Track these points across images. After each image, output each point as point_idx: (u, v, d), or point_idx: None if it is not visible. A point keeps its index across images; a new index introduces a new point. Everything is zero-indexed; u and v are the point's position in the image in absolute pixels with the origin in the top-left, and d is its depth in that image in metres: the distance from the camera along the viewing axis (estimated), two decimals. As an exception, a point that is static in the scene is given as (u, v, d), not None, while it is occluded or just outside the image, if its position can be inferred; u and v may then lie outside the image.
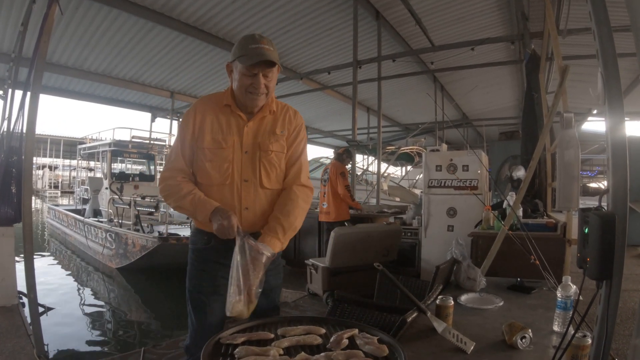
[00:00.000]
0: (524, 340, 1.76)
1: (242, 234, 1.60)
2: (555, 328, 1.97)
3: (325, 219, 5.82)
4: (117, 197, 9.00)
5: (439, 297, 2.03)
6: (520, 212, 3.93)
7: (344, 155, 6.09)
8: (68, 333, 5.00)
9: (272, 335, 1.41)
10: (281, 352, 1.27)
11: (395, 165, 13.74)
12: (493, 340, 1.86)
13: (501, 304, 2.38)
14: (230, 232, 1.60)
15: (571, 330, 1.89)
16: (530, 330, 1.77)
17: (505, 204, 4.11)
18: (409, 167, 13.69)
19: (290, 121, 1.91)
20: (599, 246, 1.23)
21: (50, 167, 29.52)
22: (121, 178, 10.65)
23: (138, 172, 11.92)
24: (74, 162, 14.34)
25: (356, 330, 1.43)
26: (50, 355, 4.08)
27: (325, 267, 4.68)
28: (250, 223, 1.78)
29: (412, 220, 5.87)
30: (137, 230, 7.91)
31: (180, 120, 2.01)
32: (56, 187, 27.99)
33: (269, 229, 1.75)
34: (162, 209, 8.21)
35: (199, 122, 1.80)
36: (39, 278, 3.27)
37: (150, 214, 8.61)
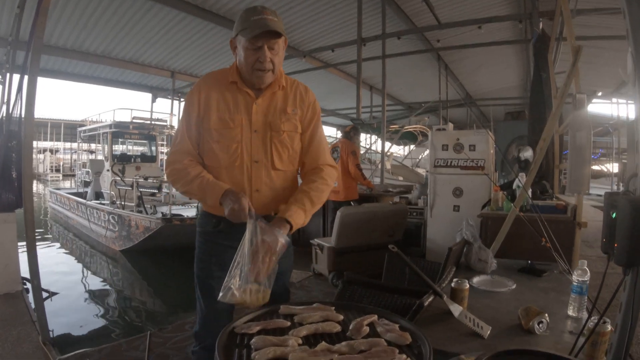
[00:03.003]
0: (541, 325, 1.73)
1: (255, 217, 1.53)
2: (570, 312, 1.94)
3: (334, 197, 5.72)
4: (119, 178, 8.95)
5: (454, 279, 2.00)
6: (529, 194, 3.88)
7: (351, 133, 5.98)
8: (73, 318, 4.99)
9: (289, 323, 1.37)
10: (300, 341, 1.23)
11: (398, 144, 13.66)
12: (509, 325, 1.84)
13: (514, 286, 2.36)
14: (242, 215, 1.52)
15: (584, 315, 1.90)
16: (547, 315, 1.74)
17: (515, 185, 4.06)
18: (411, 147, 13.58)
19: (302, 99, 1.82)
20: (629, 232, 1.18)
21: (51, 151, 29.43)
22: (122, 160, 10.57)
23: (139, 154, 11.81)
24: (75, 145, 14.16)
25: (375, 317, 1.39)
26: (56, 341, 3.99)
27: (331, 247, 4.66)
28: (261, 206, 1.70)
29: (418, 200, 5.83)
30: (140, 212, 7.87)
31: (184, 100, 1.92)
32: (58, 170, 27.92)
33: (296, 199, 1.68)
34: (164, 190, 8.17)
35: (204, 101, 1.72)
36: (42, 263, 3.25)
37: (153, 195, 8.57)
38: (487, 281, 2.47)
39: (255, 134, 1.72)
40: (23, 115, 3.52)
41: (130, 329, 4.82)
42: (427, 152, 12.20)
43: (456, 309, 1.78)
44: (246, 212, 1.53)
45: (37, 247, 3.17)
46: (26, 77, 3.38)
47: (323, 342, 1.20)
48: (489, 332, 1.71)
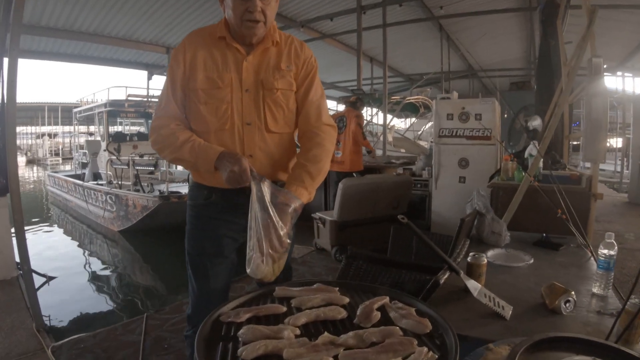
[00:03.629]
0: (567, 305, 1.56)
1: (259, 178, 1.34)
2: (596, 290, 1.76)
3: (338, 168, 5.49)
4: (114, 157, 8.73)
5: (470, 254, 1.80)
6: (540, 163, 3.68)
7: (357, 104, 5.74)
8: (71, 302, 4.87)
9: (285, 309, 1.18)
10: (297, 331, 1.04)
11: (400, 116, 13.41)
12: (530, 303, 1.66)
13: (531, 261, 2.18)
14: (244, 177, 1.35)
15: (610, 293, 1.72)
16: (574, 294, 1.57)
17: (527, 153, 3.85)
18: (413, 119, 13.34)
19: (297, 54, 1.63)
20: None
21: (50, 135, 29.39)
22: (118, 138, 10.30)
23: (136, 132, 11.54)
24: (73, 128, 13.99)
25: (387, 299, 1.19)
26: (53, 326, 3.95)
27: (333, 220, 4.48)
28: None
29: (422, 172, 5.66)
30: (137, 191, 7.70)
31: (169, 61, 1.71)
32: (57, 154, 27.91)
33: (294, 177, 1.52)
34: (162, 167, 8.00)
35: (189, 60, 1.54)
36: (40, 247, 3.12)
37: (151, 173, 8.34)
38: (502, 255, 2.28)
39: (247, 93, 1.54)
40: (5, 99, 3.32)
41: (129, 310, 4.71)
42: (429, 124, 12.04)
43: (474, 287, 1.58)
44: (248, 174, 1.36)
45: (36, 232, 3.05)
46: (6, 59, 3.22)
47: (326, 333, 1.00)
48: (510, 313, 1.53)
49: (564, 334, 1.05)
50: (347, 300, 1.22)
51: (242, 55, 1.54)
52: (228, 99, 1.52)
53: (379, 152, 7.71)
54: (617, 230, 3.32)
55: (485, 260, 1.80)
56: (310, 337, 1.01)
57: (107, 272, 6.50)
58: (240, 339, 1.00)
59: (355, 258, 1.81)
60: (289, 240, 1.36)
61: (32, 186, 17.25)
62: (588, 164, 4.94)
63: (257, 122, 1.55)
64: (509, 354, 0.95)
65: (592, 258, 2.21)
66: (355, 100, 5.77)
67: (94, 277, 6.22)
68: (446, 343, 0.99)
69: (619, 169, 11.05)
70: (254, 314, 1.13)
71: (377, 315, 1.10)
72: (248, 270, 1.29)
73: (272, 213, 1.31)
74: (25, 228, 3.14)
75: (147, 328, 3.06)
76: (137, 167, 7.99)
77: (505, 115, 4.68)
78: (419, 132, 12.67)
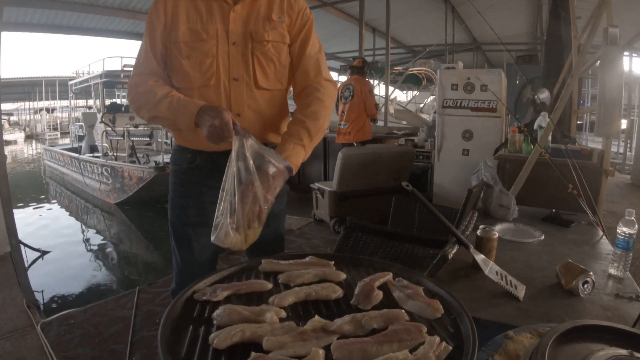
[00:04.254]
0: (586, 286, 1.42)
1: (242, 133, 1.16)
2: (612, 271, 1.62)
3: (344, 140, 5.24)
4: (110, 129, 8.60)
5: (480, 227, 1.64)
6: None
7: (365, 68, 5.39)
8: (65, 276, 4.82)
9: (270, 286, 1.01)
10: (282, 314, 0.87)
11: (402, 88, 13.13)
12: (544, 283, 1.52)
13: (542, 237, 2.03)
14: (226, 131, 1.17)
15: (628, 275, 1.59)
16: (592, 274, 1.43)
17: (536, 125, 3.67)
18: (415, 92, 13.06)
19: (290, 5, 1.45)
20: None
21: (48, 110, 29.25)
22: (113, 109, 10.07)
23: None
24: (73, 103, 13.84)
25: (390, 275, 1.03)
26: (46, 301, 3.93)
27: (333, 191, 4.34)
28: None
29: (425, 143, 5.46)
30: (133, 162, 7.61)
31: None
32: (55, 129, 27.83)
33: (291, 134, 1.35)
34: (158, 138, 7.83)
35: (170, 11, 1.37)
36: (36, 222, 3.02)
37: (149, 144, 8.29)
38: (511, 230, 2.14)
39: (234, 46, 1.37)
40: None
41: (124, 283, 4.66)
42: (431, 97, 11.77)
43: (485, 263, 1.42)
44: (230, 128, 1.17)
45: (34, 207, 2.92)
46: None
47: (317, 317, 0.83)
48: (523, 293, 1.39)
49: (596, 322, 0.89)
50: (343, 276, 1.05)
51: (229, 5, 1.37)
52: (213, 52, 1.36)
53: (380, 124, 7.49)
54: (620, 211, 3.20)
55: (497, 234, 1.64)
56: (299, 322, 0.85)
57: (102, 246, 6.44)
58: (214, 322, 0.84)
59: (354, 229, 1.67)
60: (266, 207, 1.18)
61: (30, 162, 17.27)
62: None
63: (246, 77, 1.38)
64: (538, 345, 0.79)
65: (604, 237, 2.09)
66: (362, 65, 5.40)
67: (89, 251, 6.16)
68: (461, 330, 0.83)
69: (621, 150, 10.89)
70: (234, 292, 0.96)
71: (379, 295, 0.94)
72: (213, 238, 1.11)
73: (253, 175, 1.14)
74: (22, 204, 3.03)
75: (139, 302, 2.98)
76: (133, 138, 7.85)
77: (518, 82, 4.50)
78: (421, 105, 12.39)
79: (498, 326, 0.95)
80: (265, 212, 1.17)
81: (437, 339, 0.75)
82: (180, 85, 1.38)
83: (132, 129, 7.97)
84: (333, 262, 1.11)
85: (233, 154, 1.14)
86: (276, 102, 1.46)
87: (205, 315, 0.88)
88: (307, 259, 1.13)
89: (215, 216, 1.12)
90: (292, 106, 1.53)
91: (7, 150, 19.03)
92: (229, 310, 0.84)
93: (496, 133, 4.58)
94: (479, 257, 1.43)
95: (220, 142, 1.19)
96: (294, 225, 4.71)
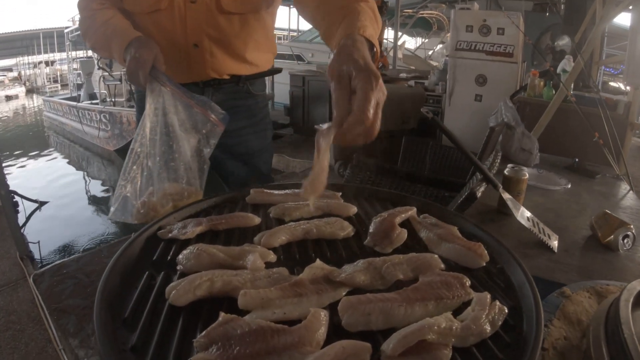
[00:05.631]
0: (626, 241, 1.23)
1: (164, 79, 0.91)
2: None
3: None
4: (107, 74, 8.29)
5: (509, 165, 1.41)
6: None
7: (383, 8, 5.04)
8: (63, 226, 4.80)
9: (258, 221, 0.77)
10: (271, 257, 0.64)
11: (411, 34, 12.57)
12: (578, 235, 1.34)
13: (568, 186, 1.84)
14: (142, 74, 0.92)
15: None
16: (632, 227, 1.24)
17: (559, 69, 3.38)
18: (424, 39, 12.50)
19: None
20: None
21: (46, 63, 28.67)
22: (110, 53, 9.77)
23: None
24: (71, 54, 13.43)
25: (414, 210, 0.79)
26: (43, 251, 3.80)
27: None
28: (202, 68, 1.15)
29: (435, 87, 5.16)
30: (132, 107, 7.35)
31: None
32: (56, 81, 27.43)
33: (352, 11, 0.83)
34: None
35: None
36: (35, 174, 2.80)
37: (147, 88, 8.04)
38: (534, 175, 1.93)
39: None
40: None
41: (123, 232, 4.51)
42: (440, 45, 11.26)
43: (516, 207, 1.20)
44: (146, 71, 0.92)
45: (34, 159, 2.74)
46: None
47: (318, 261, 0.59)
48: (557, 244, 1.20)
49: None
50: (354, 210, 0.81)
51: None
52: None
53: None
54: (631, 173, 3.04)
55: (527, 174, 1.40)
56: (293, 268, 0.62)
57: (102, 194, 6.40)
58: (178, 267, 0.61)
59: (362, 168, 1.46)
60: (197, 177, 0.94)
61: (31, 115, 17.10)
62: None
63: None
64: (612, 306, 0.58)
65: (631, 191, 1.91)
66: (381, 4, 4.97)
67: (88, 200, 6.14)
68: (513, 285, 0.61)
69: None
70: (210, 228, 0.73)
71: (402, 233, 0.70)
72: (112, 211, 0.90)
73: (177, 136, 0.90)
74: (22, 157, 2.83)
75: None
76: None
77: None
78: (430, 53, 11.87)
79: (537, 282, 0.74)
80: (196, 188, 0.94)
81: (488, 296, 0.53)
82: (130, 8, 1.11)
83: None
84: (340, 194, 0.87)
85: (148, 107, 0.89)
86: (248, 30, 1.16)
87: (169, 258, 0.65)
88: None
89: (118, 184, 0.89)
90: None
91: (9, 105, 19.36)
92: (198, 252, 0.61)
93: (512, 79, 4.31)
94: (509, 199, 1.21)
95: (137, 85, 0.94)
96: (297, 168, 4.54)
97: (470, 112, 4.35)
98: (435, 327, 0.44)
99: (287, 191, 0.88)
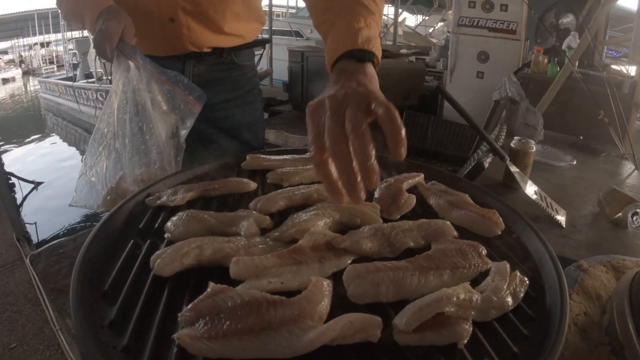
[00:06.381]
0: (635, 218, 1.24)
1: (131, 53, 0.84)
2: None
3: None
4: None
5: (515, 138, 1.36)
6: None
7: None
8: (61, 206, 4.68)
9: (254, 186, 0.72)
10: (267, 222, 0.58)
11: (412, 11, 12.33)
12: (585, 211, 1.34)
13: (574, 162, 1.85)
14: (108, 47, 0.85)
15: None
16: None
17: (564, 45, 3.31)
18: (425, 17, 12.27)
19: None
20: None
21: (42, 44, 28.21)
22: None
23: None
24: (67, 35, 13.28)
25: (421, 176, 0.74)
26: (39, 232, 3.70)
27: (338, 107, 4.02)
28: (180, 43, 1.05)
29: (436, 63, 5.07)
30: None
31: None
32: (52, 62, 27.07)
33: (350, 11, 0.73)
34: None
35: None
36: (32, 155, 2.72)
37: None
38: (540, 151, 1.88)
39: None
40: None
41: None
42: (441, 22, 11.07)
43: (523, 180, 1.15)
44: (113, 45, 0.85)
45: (29, 141, 2.69)
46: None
47: (320, 226, 0.54)
48: (565, 219, 1.17)
49: None
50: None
51: None
52: None
53: (389, 43, 6.97)
54: (636, 152, 3.02)
55: (534, 147, 1.35)
56: (292, 234, 0.55)
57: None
58: (165, 235, 0.56)
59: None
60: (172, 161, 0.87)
61: (27, 96, 16.99)
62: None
63: None
64: (634, 281, 0.54)
65: (637, 170, 1.94)
66: None
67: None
68: (531, 255, 0.56)
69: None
70: (202, 193, 0.68)
71: (411, 199, 0.65)
72: (72, 200, 0.86)
73: (149, 116, 0.82)
74: (19, 138, 2.76)
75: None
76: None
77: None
78: (430, 30, 11.68)
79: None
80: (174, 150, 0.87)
81: (507, 265, 0.47)
82: None
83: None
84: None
85: (115, 84, 0.82)
86: (227, 2, 1.06)
87: (156, 225, 0.60)
88: (307, 154, 0.82)
89: (82, 167, 0.84)
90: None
91: (5, 88, 19.10)
92: (187, 217, 0.55)
93: (514, 57, 4.23)
94: (517, 172, 1.16)
95: (104, 58, 0.86)
96: (297, 144, 4.42)
97: (471, 89, 4.28)
98: (454, 299, 0.39)
99: (285, 156, 0.82)
